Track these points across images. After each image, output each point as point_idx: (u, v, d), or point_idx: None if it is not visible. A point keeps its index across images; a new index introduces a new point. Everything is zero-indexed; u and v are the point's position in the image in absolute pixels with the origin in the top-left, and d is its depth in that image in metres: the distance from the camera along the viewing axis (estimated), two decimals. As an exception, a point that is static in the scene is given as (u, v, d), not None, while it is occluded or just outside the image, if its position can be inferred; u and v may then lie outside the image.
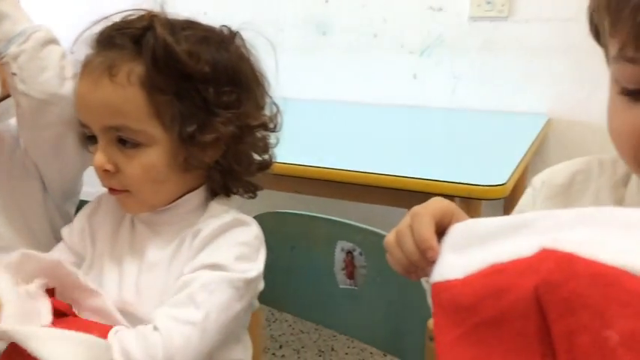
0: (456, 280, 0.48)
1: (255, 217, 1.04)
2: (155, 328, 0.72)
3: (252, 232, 0.82)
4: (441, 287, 0.50)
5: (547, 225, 0.44)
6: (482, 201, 1.22)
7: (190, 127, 0.77)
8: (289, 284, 1.04)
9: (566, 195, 0.64)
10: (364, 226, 0.96)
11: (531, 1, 1.84)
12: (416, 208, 0.56)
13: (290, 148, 1.63)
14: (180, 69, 0.75)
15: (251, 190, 0.88)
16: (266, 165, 0.88)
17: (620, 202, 0.60)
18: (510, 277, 0.43)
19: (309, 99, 2.16)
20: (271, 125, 0.86)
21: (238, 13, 2.20)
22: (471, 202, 1.22)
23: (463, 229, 0.50)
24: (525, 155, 1.45)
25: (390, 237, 0.58)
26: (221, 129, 0.78)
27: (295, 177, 1.43)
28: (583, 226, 0.41)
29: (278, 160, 1.43)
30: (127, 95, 0.75)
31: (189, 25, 0.80)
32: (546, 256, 0.41)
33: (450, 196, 1.31)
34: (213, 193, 0.85)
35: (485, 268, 0.46)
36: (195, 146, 0.78)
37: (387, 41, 2.08)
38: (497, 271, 0.44)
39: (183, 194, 0.83)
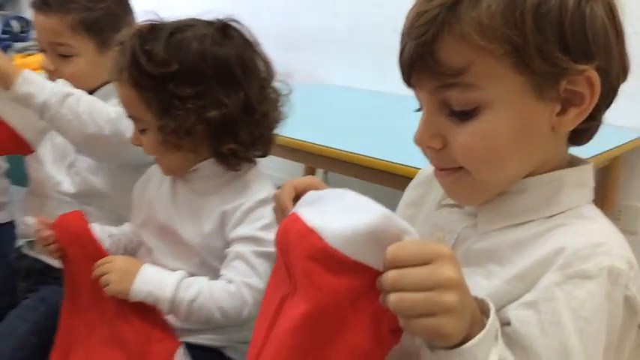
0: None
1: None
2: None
3: None
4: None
5: (317, 198, 0.60)
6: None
7: (168, 116, 0.94)
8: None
9: (429, 185, 0.76)
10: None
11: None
12: (286, 181, 0.71)
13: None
14: (148, 71, 0.94)
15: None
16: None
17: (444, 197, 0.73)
18: (281, 226, 0.59)
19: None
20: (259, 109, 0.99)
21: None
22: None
23: (306, 196, 0.63)
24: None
25: None
26: (182, 117, 0.94)
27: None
28: (323, 202, 0.58)
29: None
30: (124, 92, 0.97)
31: (178, 29, 0.96)
32: (290, 216, 0.58)
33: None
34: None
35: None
36: (173, 133, 0.95)
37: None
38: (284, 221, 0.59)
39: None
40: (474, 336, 0.51)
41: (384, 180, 1.49)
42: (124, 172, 1.27)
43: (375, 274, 0.52)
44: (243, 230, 0.99)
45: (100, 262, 0.97)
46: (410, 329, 0.51)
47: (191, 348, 1.01)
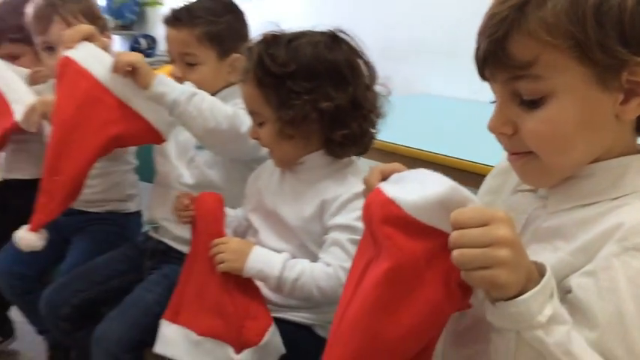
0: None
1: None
2: None
3: None
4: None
5: (399, 177, 0.70)
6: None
7: (285, 107, 1.09)
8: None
9: (506, 175, 0.84)
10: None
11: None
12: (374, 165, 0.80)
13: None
14: (272, 71, 1.09)
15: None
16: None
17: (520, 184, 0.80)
18: (367, 199, 0.69)
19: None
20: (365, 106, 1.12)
21: None
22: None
23: (390, 177, 0.72)
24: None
25: None
26: (298, 107, 1.08)
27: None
28: (404, 180, 0.68)
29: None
30: (248, 90, 1.13)
31: (295, 37, 1.12)
32: (374, 190, 0.67)
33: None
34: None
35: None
36: (289, 122, 1.09)
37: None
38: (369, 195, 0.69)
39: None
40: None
41: (479, 183, 1.54)
42: (237, 167, 1.43)
43: (447, 237, 0.61)
44: (340, 219, 1.11)
45: (216, 241, 1.12)
46: (470, 280, 0.59)
47: (285, 323, 1.14)
